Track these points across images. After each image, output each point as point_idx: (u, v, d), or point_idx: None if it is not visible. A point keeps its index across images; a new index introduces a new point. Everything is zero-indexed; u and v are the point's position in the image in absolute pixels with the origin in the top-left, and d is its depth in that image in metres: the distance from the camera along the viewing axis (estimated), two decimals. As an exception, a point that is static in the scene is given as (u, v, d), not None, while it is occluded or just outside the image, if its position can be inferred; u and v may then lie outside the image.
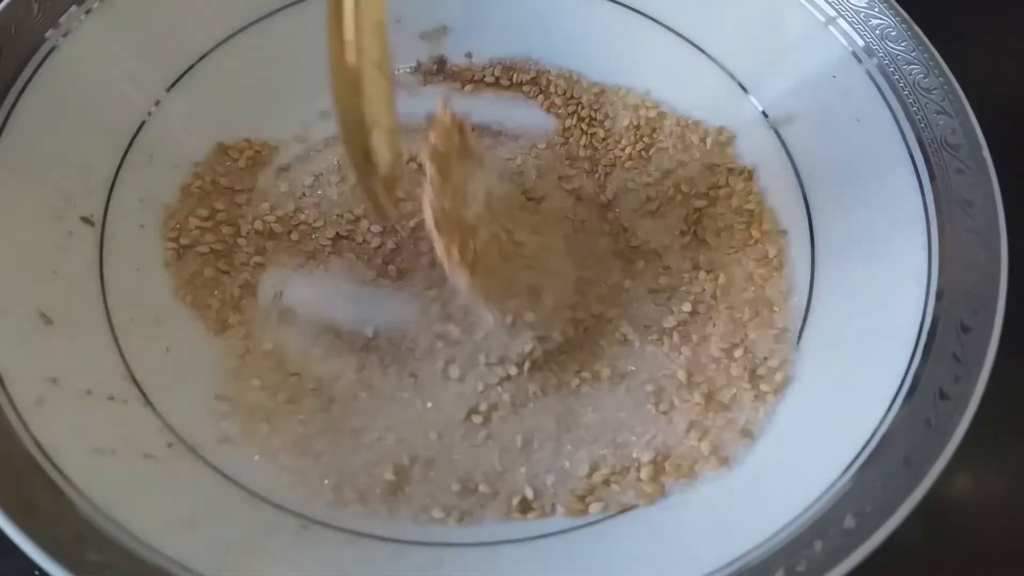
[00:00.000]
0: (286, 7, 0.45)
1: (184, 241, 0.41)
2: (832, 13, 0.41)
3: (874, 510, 0.28)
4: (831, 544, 0.28)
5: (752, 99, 0.43)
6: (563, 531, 0.33)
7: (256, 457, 0.34)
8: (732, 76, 0.44)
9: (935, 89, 0.37)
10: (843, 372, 0.34)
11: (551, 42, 0.48)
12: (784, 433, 0.34)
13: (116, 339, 0.35)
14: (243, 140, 0.44)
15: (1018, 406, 0.38)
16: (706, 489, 0.33)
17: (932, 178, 0.36)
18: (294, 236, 0.42)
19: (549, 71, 0.48)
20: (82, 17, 0.40)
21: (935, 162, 0.36)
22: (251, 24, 0.45)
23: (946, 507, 0.37)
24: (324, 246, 0.42)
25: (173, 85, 0.42)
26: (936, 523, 0.36)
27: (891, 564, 0.29)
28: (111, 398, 0.33)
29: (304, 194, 0.43)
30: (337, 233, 0.42)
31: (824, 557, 0.28)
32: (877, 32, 0.40)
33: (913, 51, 0.39)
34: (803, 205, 0.40)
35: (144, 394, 0.34)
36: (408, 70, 0.48)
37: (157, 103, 0.42)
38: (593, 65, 0.47)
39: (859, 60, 0.39)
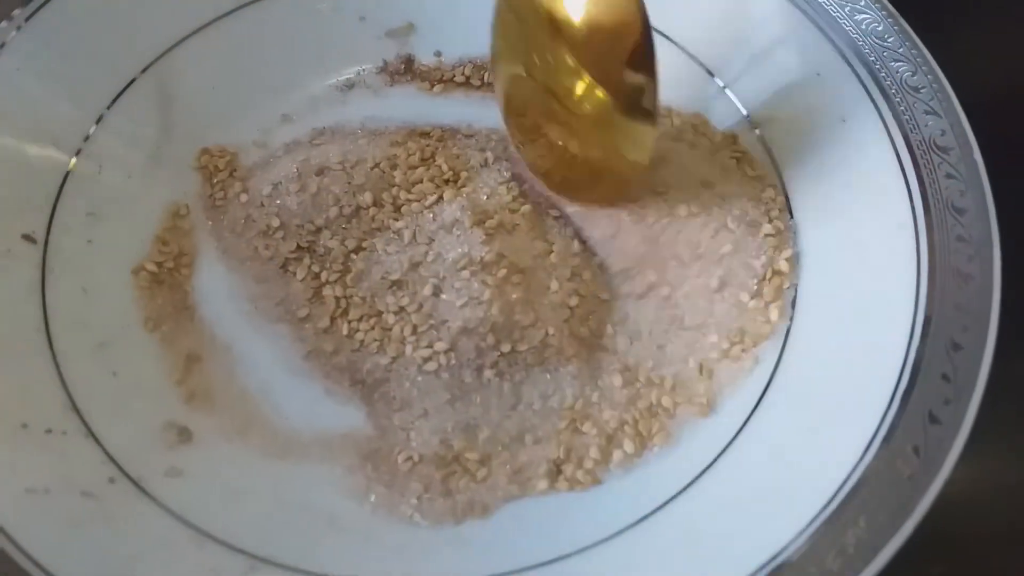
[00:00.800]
0: (242, 7, 0.43)
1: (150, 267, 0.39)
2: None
3: (856, 551, 0.27)
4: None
5: (731, 96, 0.41)
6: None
7: (206, 491, 0.32)
8: (710, 73, 0.41)
9: (923, 88, 0.35)
10: (825, 395, 0.32)
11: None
12: (757, 464, 0.32)
13: (57, 366, 0.33)
14: (201, 149, 0.42)
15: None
16: (677, 518, 0.32)
17: (920, 182, 0.34)
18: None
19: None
20: (13, 33, 0.38)
21: (923, 165, 0.34)
22: (203, 27, 0.42)
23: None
24: (286, 259, 0.40)
25: (118, 97, 0.40)
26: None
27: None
28: (49, 431, 0.31)
29: (262, 203, 0.41)
30: (297, 244, 0.40)
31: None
32: (863, 27, 0.38)
33: (901, 47, 0.37)
34: (786, 210, 0.38)
35: (86, 424, 0.32)
36: (374, 70, 0.46)
37: (100, 119, 0.40)
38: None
39: (844, 57, 0.37)
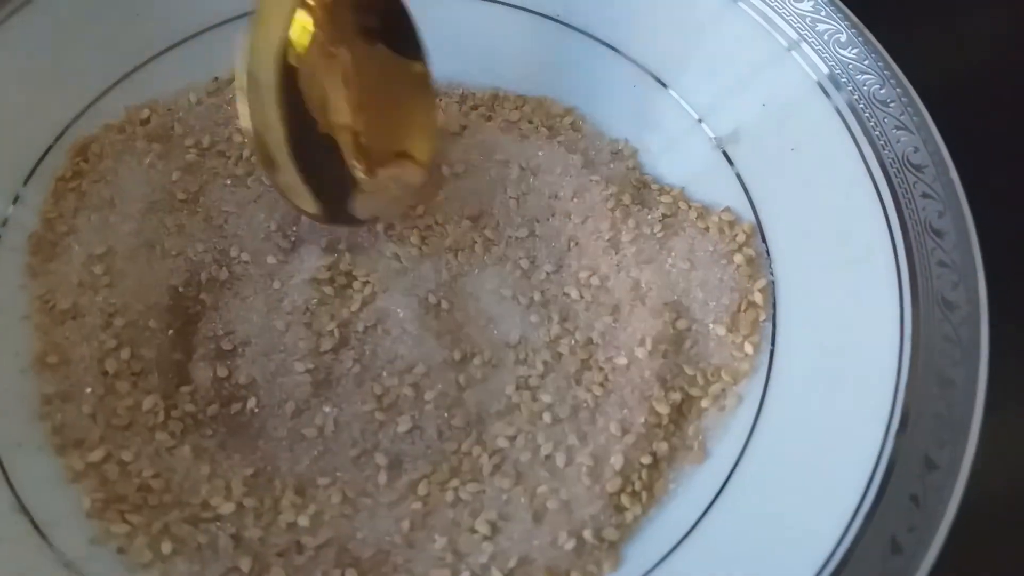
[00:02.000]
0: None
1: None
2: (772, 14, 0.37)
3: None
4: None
5: (703, 127, 0.39)
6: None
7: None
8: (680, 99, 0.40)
9: (892, 102, 0.34)
10: (807, 443, 0.31)
11: (473, 61, 0.43)
12: (752, 509, 0.31)
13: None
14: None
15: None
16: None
17: (896, 203, 0.33)
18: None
19: (475, 93, 0.43)
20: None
21: (898, 184, 0.33)
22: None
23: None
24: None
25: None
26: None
27: None
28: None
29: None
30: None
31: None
32: (825, 38, 0.36)
33: (866, 59, 0.35)
34: (757, 236, 0.36)
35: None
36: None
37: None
38: (517, 81, 0.43)
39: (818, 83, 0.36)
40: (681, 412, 0.34)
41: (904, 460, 0.28)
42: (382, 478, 0.32)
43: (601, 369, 0.35)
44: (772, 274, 0.35)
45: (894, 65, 0.35)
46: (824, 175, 0.35)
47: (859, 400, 0.30)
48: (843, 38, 0.36)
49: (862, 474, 0.29)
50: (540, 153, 0.39)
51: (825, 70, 0.36)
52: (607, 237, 0.37)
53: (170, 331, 0.35)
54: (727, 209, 0.37)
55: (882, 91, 0.34)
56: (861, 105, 0.34)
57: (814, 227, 0.35)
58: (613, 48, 0.41)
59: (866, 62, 0.35)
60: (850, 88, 0.35)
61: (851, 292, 0.33)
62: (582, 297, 0.37)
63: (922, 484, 0.28)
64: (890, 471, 0.28)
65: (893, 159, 0.33)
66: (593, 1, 0.41)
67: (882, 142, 0.34)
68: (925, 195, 0.32)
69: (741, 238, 0.36)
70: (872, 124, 0.34)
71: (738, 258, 0.35)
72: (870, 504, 0.28)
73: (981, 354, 0.29)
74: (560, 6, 0.41)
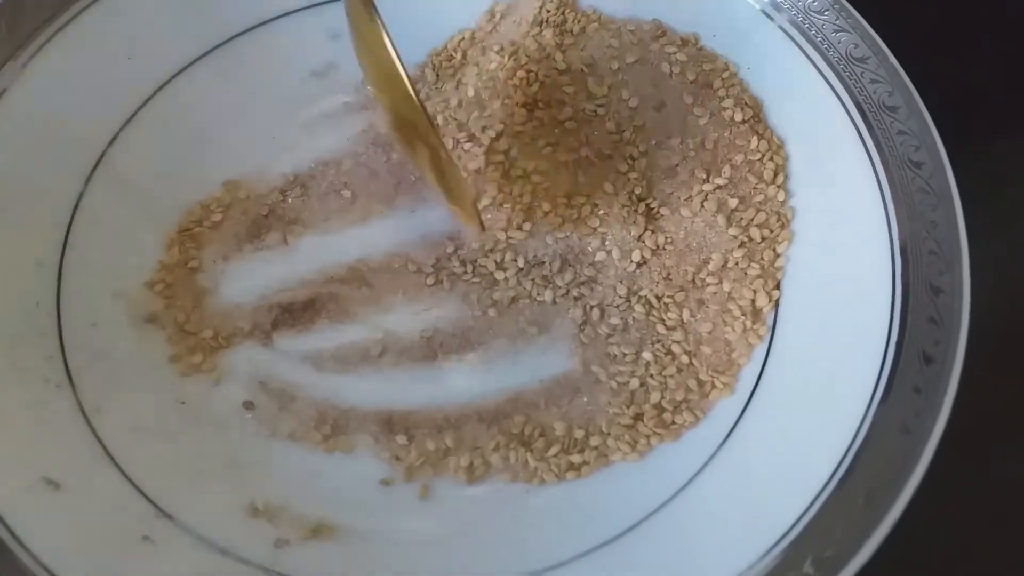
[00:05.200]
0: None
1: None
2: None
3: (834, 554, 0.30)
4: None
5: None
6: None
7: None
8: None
9: (868, 58, 0.39)
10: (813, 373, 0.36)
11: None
12: (744, 455, 0.35)
13: (132, 482, 0.34)
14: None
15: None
16: (654, 532, 0.34)
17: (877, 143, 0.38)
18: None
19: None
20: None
21: (877, 126, 0.38)
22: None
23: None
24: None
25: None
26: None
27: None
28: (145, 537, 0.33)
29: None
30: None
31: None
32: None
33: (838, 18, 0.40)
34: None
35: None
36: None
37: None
38: None
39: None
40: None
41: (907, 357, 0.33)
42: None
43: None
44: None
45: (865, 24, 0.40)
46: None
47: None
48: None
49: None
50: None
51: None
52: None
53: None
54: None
55: (857, 50, 0.40)
56: (841, 65, 0.40)
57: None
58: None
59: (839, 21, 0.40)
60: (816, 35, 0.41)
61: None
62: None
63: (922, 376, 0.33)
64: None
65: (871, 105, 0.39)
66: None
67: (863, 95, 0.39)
68: (901, 132, 0.38)
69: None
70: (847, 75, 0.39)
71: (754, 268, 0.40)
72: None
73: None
74: None
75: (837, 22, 0.41)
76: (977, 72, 0.50)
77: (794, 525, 0.31)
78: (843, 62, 0.40)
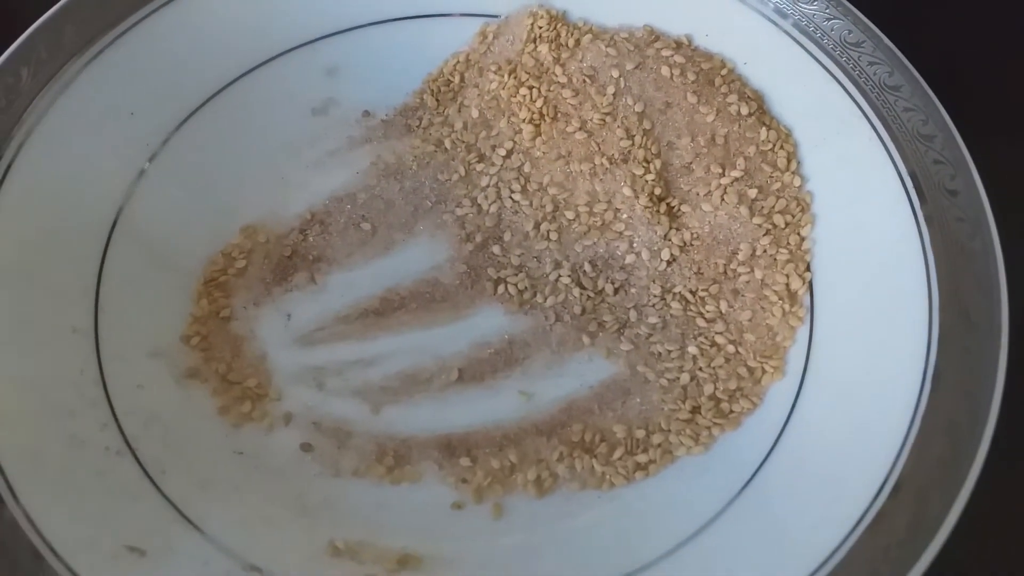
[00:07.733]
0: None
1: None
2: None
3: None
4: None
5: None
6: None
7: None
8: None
9: (864, 42, 0.41)
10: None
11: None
12: (808, 434, 0.36)
13: (210, 539, 0.34)
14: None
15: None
16: (735, 521, 0.35)
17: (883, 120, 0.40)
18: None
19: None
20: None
21: (881, 105, 0.40)
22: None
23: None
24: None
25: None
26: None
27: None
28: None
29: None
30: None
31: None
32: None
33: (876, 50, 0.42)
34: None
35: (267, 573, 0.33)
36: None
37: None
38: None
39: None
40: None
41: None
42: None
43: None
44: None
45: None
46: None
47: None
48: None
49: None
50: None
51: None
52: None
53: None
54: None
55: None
56: (835, 51, 0.42)
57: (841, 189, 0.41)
58: None
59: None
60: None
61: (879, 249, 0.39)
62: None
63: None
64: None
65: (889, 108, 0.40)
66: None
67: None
68: (937, 162, 0.38)
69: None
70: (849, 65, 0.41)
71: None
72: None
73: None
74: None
75: (827, 11, 0.42)
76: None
77: (880, 489, 0.32)
78: (838, 48, 0.42)
